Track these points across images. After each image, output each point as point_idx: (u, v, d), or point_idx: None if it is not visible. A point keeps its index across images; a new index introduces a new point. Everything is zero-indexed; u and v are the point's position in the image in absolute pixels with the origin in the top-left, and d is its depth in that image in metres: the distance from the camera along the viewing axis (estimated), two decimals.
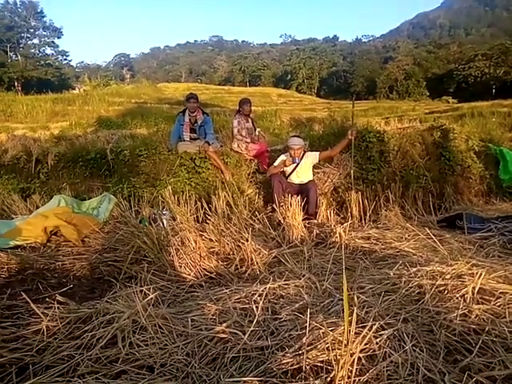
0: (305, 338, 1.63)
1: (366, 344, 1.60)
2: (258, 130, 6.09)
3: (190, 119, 5.68)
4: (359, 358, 1.53)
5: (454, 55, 50.50)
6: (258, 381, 1.46)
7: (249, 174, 5.59)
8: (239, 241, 3.34)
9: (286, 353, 1.61)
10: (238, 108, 6.09)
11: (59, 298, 2.24)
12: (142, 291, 2.15)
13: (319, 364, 1.52)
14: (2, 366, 1.76)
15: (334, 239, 3.57)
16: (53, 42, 50.81)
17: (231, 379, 1.51)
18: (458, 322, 1.79)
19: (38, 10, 48.12)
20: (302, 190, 4.54)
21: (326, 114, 14.34)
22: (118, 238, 3.61)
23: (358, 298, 2.05)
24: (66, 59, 54.88)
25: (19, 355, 1.81)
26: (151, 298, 2.07)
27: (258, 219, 4.02)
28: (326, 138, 6.10)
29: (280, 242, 3.56)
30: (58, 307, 2.15)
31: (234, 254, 3.21)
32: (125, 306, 2.00)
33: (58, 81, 46.54)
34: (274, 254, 3.15)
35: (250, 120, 6.07)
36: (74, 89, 43.91)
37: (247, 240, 3.16)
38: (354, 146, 4.87)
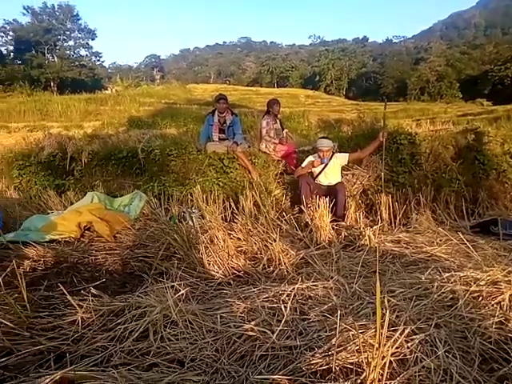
0: (334, 339, 1.63)
1: (397, 348, 1.57)
2: (285, 130, 6.09)
3: (219, 120, 5.75)
4: (390, 362, 1.51)
5: (489, 56, 48.66)
6: (287, 379, 1.47)
7: (276, 175, 5.60)
8: (267, 241, 3.36)
9: (315, 353, 1.61)
10: (266, 109, 6.11)
11: (93, 290, 2.32)
12: (172, 287, 2.19)
13: (349, 366, 1.52)
14: (41, 353, 1.84)
15: (362, 242, 3.53)
16: (87, 43, 52.53)
17: (260, 376, 1.52)
18: (494, 330, 1.74)
19: (74, 13, 49.84)
20: (331, 192, 4.51)
21: (355, 116, 14.16)
22: (148, 235, 3.70)
23: (388, 301, 2.01)
24: (99, 60, 56.58)
25: (56, 344, 1.89)
26: (182, 294, 2.11)
27: (285, 220, 4.02)
28: (355, 139, 6.03)
29: (307, 243, 3.54)
30: (92, 300, 2.22)
31: (261, 254, 3.22)
32: (156, 300, 2.05)
33: (91, 81, 48.01)
34: (301, 255, 3.15)
35: (278, 121, 6.08)
36: (107, 89, 45.29)
37: (275, 240, 3.17)
38: (384, 148, 4.79)
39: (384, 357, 1.44)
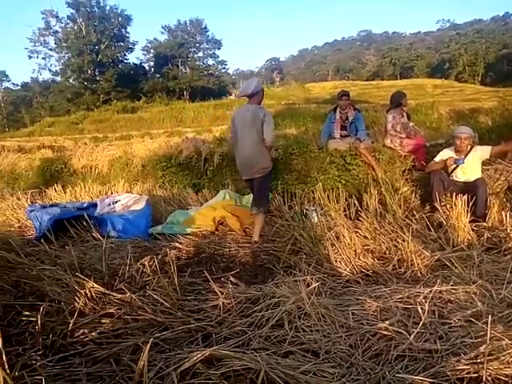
0: (483, 347, 1.50)
1: None
2: (411, 124, 5.71)
3: (340, 116, 5.68)
4: None
5: None
6: (429, 382, 1.41)
7: (403, 171, 5.28)
8: (396, 240, 3.22)
9: (460, 359, 1.50)
10: (391, 102, 5.81)
11: (232, 278, 2.54)
12: (304, 280, 2.27)
13: (502, 377, 1.38)
14: (190, 332, 2.09)
15: (510, 245, 3.13)
16: (214, 53, 56.80)
17: (401, 375, 1.48)
18: None
19: (203, 26, 54.47)
20: (468, 189, 4.06)
21: (496, 104, 12.47)
22: (275, 231, 3.87)
23: None
24: (224, 68, 60.62)
25: (203, 324, 2.12)
26: (314, 288, 2.17)
27: (415, 219, 3.78)
28: (496, 130, 5.37)
29: (443, 244, 3.27)
30: (231, 287, 2.43)
31: (390, 254, 3.10)
32: (289, 291, 2.15)
33: (217, 88, 51.86)
34: (436, 257, 2.93)
35: (404, 114, 5.73)
36: (231, 94, 48.36)
37: (405, 240, 3.02)
38: None
39: None
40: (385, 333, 1.83)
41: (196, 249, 3.75)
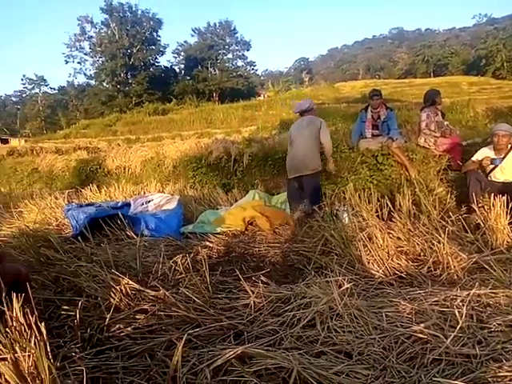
0: None
1: None
2: (446, 123, 5.54)
3: (372, 115, 5.59)
4: None
5: None
6: None
7: (438, 171, 5.13)
8: (431, 242, 3.13)
9: (502, 365, 1.44)
10: (424, 100, 5.66)
11: (262, 278, 2.54)
12: (336, 281, 2.25)
13: None
14: (222, 329, 2.11)
15: None
16: (243, 54, 57.11)
17: (437, 379, 1.44)
18: None
19: (232, 28, 54.89)
20: (507, 190, 3.89)
21: None
22: (305, 231, 3.85)
23: None
24: (253, 69, 60.81)
25: (234, 322, 2.14)
26: (346, 289, 2.15)
27: (451, 220, 3.66)
28: None
29: (480, 246, 3.15)
30: (262, 286, 2.44)
31: (425, 256, 3.02)
32: (321, 292, 2.13)
33: (246, 89, 52.08)
34: (474, 260, 2.83)
35: (439, 113, 5.57)
36: (260, 95, 48.49)
37: (440, 242, 2.93)
38: None
39: None
40: (420, 336, 1.78)
41: (226, 248, 3.79)
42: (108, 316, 2.14)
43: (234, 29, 54.83)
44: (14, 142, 30.74)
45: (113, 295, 2.38)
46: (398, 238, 3.30)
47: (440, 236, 3.02)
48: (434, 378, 1.47)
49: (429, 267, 2.84)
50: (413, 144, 5.48)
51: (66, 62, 51.74)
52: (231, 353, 1.67)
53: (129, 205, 4.88)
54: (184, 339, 1.64)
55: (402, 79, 50.86)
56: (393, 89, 33.76)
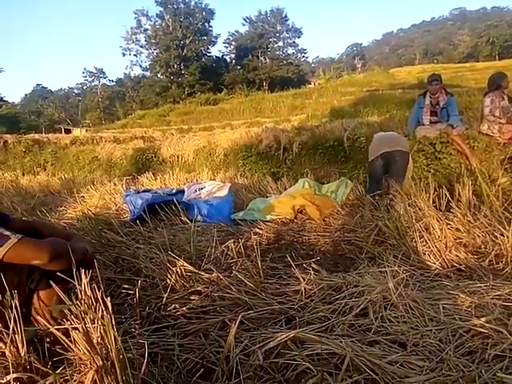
0: None
1: None
2: None
3: (431, 101, 5.33)
4: None
5: None
6: None
7: (503, 160, 4.80)
8: (493, 234, 2.95)
9: None
10: (488, 84, 5.29)
11: (313, 265, 2.54)
12: (391, 271, 2.19)
13: None
14: (273, 313, 2.14)
15: None
16: (294, 42, 56.43)
17: (500, 375, 1.37)
18: None
19: (283, 16, 54.28)
20: None
21: None
22: (356, 220, 3.77)
23: None
24: (303, 56, 59.95)
25: (285, 307, 2.16)
26: (402, 279, 2.09)
27: None
28: None
29: None
30: (313, 274, 2.43)
31: (486, 248, 2.85)
32: (375, 281, 2.09)
33: (296, 77, 51.49)
34: None
35: (505, 97, 5.18)
36: (310, 83, 47.71)
37: (504, 234, 2.76)
38: None
39: None
40: (480, 330, 1.70)
41: (276, 235, 3.81)
42: (165, 296, 2.25)
43: (286, 16, 54.25)
44: (76, 132, 32.80)
45: (169, 276, 2.49)
46: (457, 230, 3.14)
47: (504, 228, 2.84)
48: (497, 374, 1.40)
49: (490, 260, 2.69)
50: (474, 131, 5.18)
51: (123, 55, 54.18)
52: (283, 336, 1.70)
53: (183, 192, 5.05)
54: (238, 321, 1.69)
55: (462, 63, 47.69)
56: (453, 73, 31.73)
